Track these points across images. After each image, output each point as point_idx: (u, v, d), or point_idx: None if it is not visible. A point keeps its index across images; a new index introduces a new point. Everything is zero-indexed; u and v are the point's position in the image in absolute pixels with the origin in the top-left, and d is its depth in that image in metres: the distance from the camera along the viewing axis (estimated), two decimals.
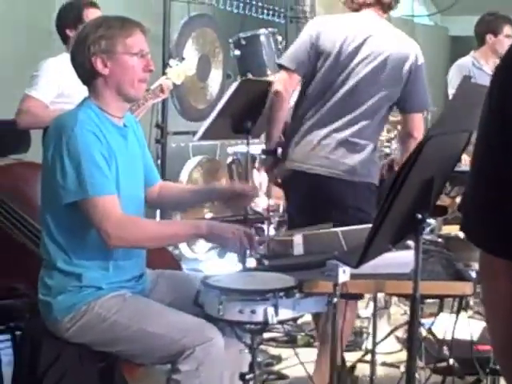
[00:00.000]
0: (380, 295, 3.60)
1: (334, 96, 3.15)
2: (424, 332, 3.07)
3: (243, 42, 5.03)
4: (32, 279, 2.52)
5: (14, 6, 4.76)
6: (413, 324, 2.03)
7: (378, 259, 2.01)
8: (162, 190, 2.73)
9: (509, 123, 0.98)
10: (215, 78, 5.57)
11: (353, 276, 2.07)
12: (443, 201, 3.76)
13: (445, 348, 3.30)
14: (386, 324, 3.95)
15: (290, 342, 3.98)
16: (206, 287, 2.15)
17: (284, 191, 3.49)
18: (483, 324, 3.32)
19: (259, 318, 2.05)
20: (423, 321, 3.17)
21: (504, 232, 1.00)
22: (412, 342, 2.01)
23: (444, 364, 3.20)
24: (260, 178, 4.74)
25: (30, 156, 3.52)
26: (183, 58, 4.57)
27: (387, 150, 4.12)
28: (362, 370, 3.51)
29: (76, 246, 2.39)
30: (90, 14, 3.53)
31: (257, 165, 4.95)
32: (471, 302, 4.18)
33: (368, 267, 1.98)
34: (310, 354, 3.27)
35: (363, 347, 3.81)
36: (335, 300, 2.08)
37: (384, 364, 3.70)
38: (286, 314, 2.07)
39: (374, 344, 3.01)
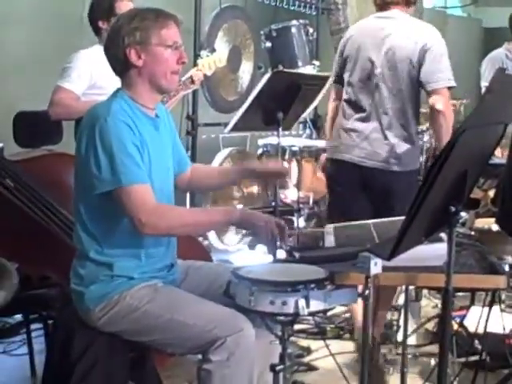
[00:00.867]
0: (410, 288, 3.58)
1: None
2: (455, 325, 3.05)
3: (274, 34, 5.03)
4: (64, 269, 2.54)
5: None
6: (445, 317, 2.02)
7: (410, 252, 2.01)
8: (192, 174, 2.76)
9: None
10: (246, 69, 5.57)
11: (384, 268, 2.06)
12: (475, 194, 3.73)
13: (476, 342, 3.28)
14: (417, 316, 3.93)
15: (320, 333, 3.98)
16: (237, 278, 2.15)
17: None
18: None
19: (290, 309, 2.04)
20: (454, 314, 3.15)
21: None
22: (444, 335, 2.00)
23: (475, 358, 3.18)
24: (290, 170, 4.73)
25: (62, 147, 3.54)
26: (214, 50, 4.57)
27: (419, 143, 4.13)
28: (393, 362, 3.50)
29: (108, 236, 2.40)
30: (123, 6, 3.55)
31: (287, 157, 4.95)
32: (503, 296, 4.14)
33: (400, 260, 1.98)
34: (339, 346, 3.26)
35: (393, 340, 3.80)
36: (367, 292, 2.08)
37: (415, 356, 3.69)
38: (317, 305, 2.07)
39: (406, 336, 2.99)
